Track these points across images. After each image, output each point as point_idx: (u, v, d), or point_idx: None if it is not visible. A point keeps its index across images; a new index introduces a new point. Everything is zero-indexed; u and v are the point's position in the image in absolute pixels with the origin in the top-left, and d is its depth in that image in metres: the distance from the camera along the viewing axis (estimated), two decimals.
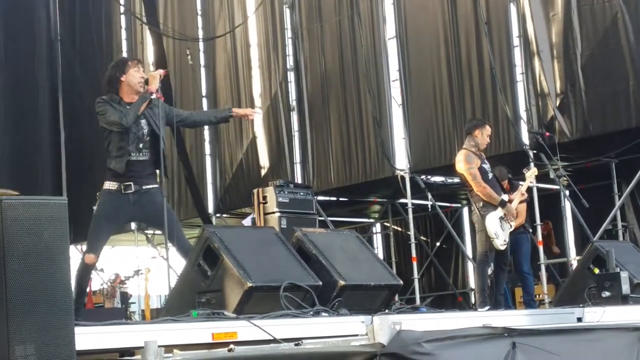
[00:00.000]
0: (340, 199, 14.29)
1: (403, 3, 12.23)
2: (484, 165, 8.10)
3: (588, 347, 4.52)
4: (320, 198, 12.60)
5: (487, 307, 7.80)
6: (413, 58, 12.16)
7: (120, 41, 15.56)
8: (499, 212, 7.95)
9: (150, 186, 6.02)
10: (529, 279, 9.73)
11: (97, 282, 12.90)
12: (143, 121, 6.00)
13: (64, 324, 3.53)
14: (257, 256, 5.56)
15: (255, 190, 10.70)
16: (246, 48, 13.95)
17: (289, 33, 13.45)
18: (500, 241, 7.89)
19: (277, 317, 4.69)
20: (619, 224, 11.84)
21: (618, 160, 11.41)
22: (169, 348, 3.78)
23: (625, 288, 6.51)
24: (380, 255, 14.57)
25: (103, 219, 6.01)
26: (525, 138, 10.94)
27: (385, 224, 15.75)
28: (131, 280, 13.40)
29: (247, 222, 11.72)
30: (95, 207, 6.04)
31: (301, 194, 10.69)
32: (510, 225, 8.05)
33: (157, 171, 6.09)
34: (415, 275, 12.58)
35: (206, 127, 14.30)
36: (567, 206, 11.59)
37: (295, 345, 3.89)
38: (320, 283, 5.61)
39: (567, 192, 11.19)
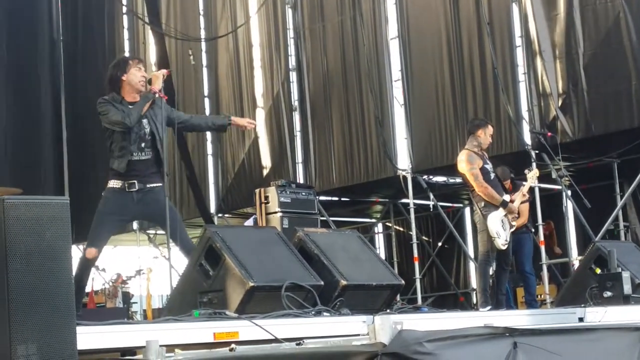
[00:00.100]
0: (342, 199, 14.30)
1: (405, 3, 12.24)
2: (486, 166, 8.11)
3: (589, 347, 4.52)
4: (322, 198, 12.60)
5: (488, 307, 7.81)
6: (415, 58, 12.16)
7: (122, 41, 15.57)
8: (501, 212, 7.95)
9: (154, 184, 6.02)
10: (531, 279, 9.73)
11: (99, 281, 12.90)
12: (145, 121, 6.00)
13: (65, 324, 3.54)
14: (258, 256, 5.57)
15: (257, 190, 10.70)
16: (248, 48, 13.95)
17: (291, 33, 13.46)
18: (502, 241, 7.89)
19: (279, 317, 4.70)
20: (621, 224, 11.84)
21: (620, 160, 11.41)
22: (170, 348, 3.78)
23: (627, 288, 6.50)
24: (382, 255, 14.58)
25: (106, 215, 6.00)
26: (527, 138, 10.94)
27: (387, 224, 15.75)
28: (133, 280, 13.40)
29: (249, 223, 11.73)
30: (99, 203, 6.02)
31: (303, 194, 10.68)
32: (512, 226, 8.05)
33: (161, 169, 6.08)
34: (417, 275, 12.59)
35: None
36: (569, 206, 11.59)
37: (297, 344, 3.89)
38: (322, 283, 5.62)
39: (569, 192, 11.19)
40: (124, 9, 15.46)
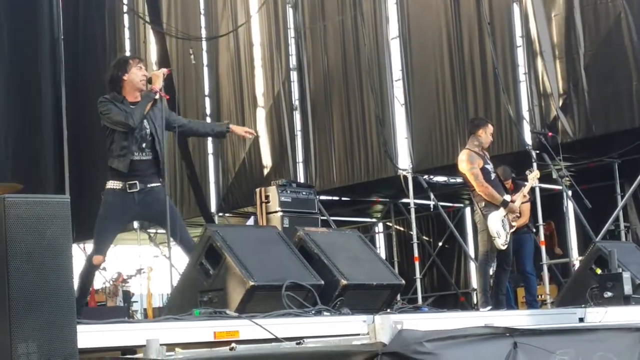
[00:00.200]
0: (343, 198, 14.30)
1: (406, 2, 12.24)
2: (486, 166, 8.10)
3: (590, 347, 4.51)
4: (322, 197, 12.60)
5: (489, 307, 7.80)
6: (416, 57, 12.17)
7: (123, 40, 15.57)
8: (501, 212, 7.95)
9: (154, 184, 6.00)
10: (532, 279, 9.73)
11: (99, 280, 12.90)
12: (145, 121, 5.98)
13: (66, 322, 3.54)
14: (259, 255, 5.57)
15: (257, 190, 10.69)
16: (249, 47, 13.96)
17: (291, 32, 13.47)
18: (502, 241, 7.89)
19: (279, 316, 4.70)
20: (622, 224, 11.84)
21: (621, 161, 11.41)
22: (170, 347, 3.79)
23: (628, 288, 6.50)
24: (383, 255, 14.58)
25: (109, 220, 5.98)
26: (527, 138, 10.94)
27: (388, 223, 15.75)
28: (133, 278, 13.40)
29: (250, 222, 11.74)
30: (100, 207, 6.00)
31: (304, 193, 10.68)
32: (512, 226, 8.05)
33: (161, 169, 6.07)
34: (418, 275, 12.59)
35: None
36: (570, 206, 11.58)
37: (297, 344, 3.89)
38: (323, 282, 5.62)
39: (570, 193, 11.19)
40: (125, 8, 15.46)
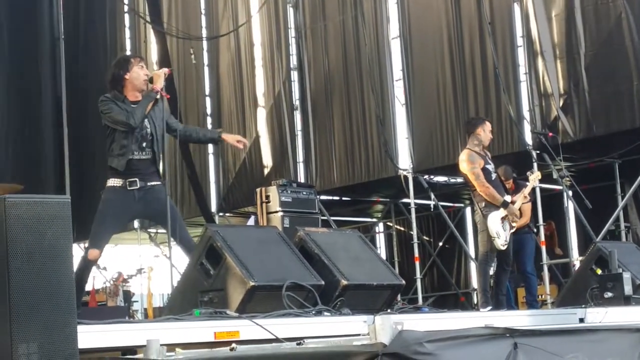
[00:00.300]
0: (343, 198, 14.31)
1: (407, 2, 12.24)
2: (487, 166, 8.10)
3: (590, 348, 4.51)
4: (323, 197, 12.60)
5: (489, 308, 7.80)
6: (416, 57, 12.17)
7: (124, 40, 15.57)
8: (502, 212, 7.95)
9: (154, 183, 6.00)
10: (532, 279, 9.72)
11: (99, 280, 12.91)
12: (145, 120, 5.98)
13: (66, 323, 3.54)
14: (259, 255, 5.57)
15: (258, 190, 10.69)
16: (250, 47, 13.96)
17: (292, 32, 13.47)
18: (501, 241, 7.89)
19: (280, 317, 4.70)
20: (622, 224, 11.83)
21: (621, 161, 11.41)
22: (171, 347, 3.79)
23: (628, 289, 6.50)
24: (383, 255, 14.58)
25: (108, 215, 5.97)
26: (528, 138, 10.94)
27: (388, 223, 15.75)
28: (134, 278, 13.40)
29: (250, 222, 11.73)
30: (100, 204, 6.00)
31: (304, 193, 10.68)
32: (512, 226, 8.05)
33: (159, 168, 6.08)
34: (418, 275, 12.59)
35: (209, 126, 14.32)
36: (570, 206, 11.58)
37: (297, 344, 3.89)
38: (323, 282, 5.62)
39: (570, 193, 11.18)
40: (126, 8, 15.46)
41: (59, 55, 15.07)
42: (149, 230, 14.95)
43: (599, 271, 7.14)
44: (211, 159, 14.44)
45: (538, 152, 10.59)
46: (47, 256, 3.54)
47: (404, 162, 12.26)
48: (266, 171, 13.56)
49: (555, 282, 11.77)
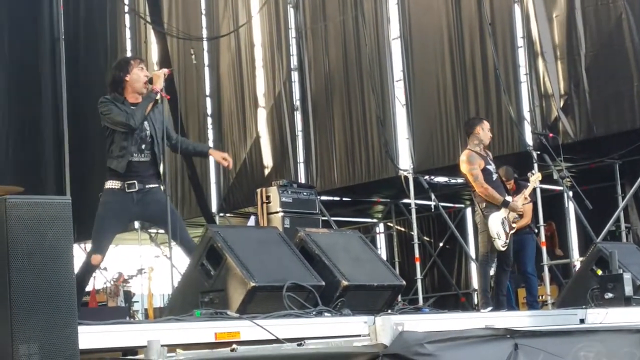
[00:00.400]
0: (344, 199, 14.30)
1: (407, 3, 12.24)
2: (488, 167, 8.10)
3: (590, 348, 4.51)
4: (323, 198, 12.60)
5: (489, 308, 7.80)
6: (417, 58, 12.17)
7: (124, 40, 15.57)
8: (502, 212, 7.95)
9: (153, 185, 6.00)
10: (533, 280, 9.72)
11: (100, 280, 12.91)
12: (145, 122, 5.97)
13: (67, 323, 3.54)
14: (260, 256, 5.57)
15: (258, 190, 10.70)
16: (250, 47, 13.96)
17: (293, 33, 13.47)
18: (502, 242, 7.88)
19: (280, 317, 4.70)
20: (622, 225, 11.82)
21: (622, 162, 11.41)
22: (171, 347, 3.78)
23: (628, 290, 6.50)
24: (383, 256, 14.57)
25: (107, 219, 5.96)
26: (528, 139, 10.94)
27: (389, 224, 15.75)
28: (134, 279, 13.41)
29: (251, 222, 11.73)
30: (99, 207, 5.99)
31: (304, 193, 10.68)
32: (513, 227, 8.05)
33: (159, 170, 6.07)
34: (418, 275, 12.58)
35: (210, 127, 14.35)
36: (571, 207, 11.57)
37: (298, 345, 3.90)
38: (323, 283, 5.62)
39: (571, 193, 11.18)
40: (126, 8, 15.46)
41: (59, 55, 15.10)
42: (149, 230, 14.95)
43: (600, 272, 7.13)
44: (212, 160, 14.41)
45: (538, 152, 10.60)
46: (48, 257, 3.54)
47: (405, 162, 12.27)
48: (266, 172, 13.56)
49: (556, 283, 11.77)
